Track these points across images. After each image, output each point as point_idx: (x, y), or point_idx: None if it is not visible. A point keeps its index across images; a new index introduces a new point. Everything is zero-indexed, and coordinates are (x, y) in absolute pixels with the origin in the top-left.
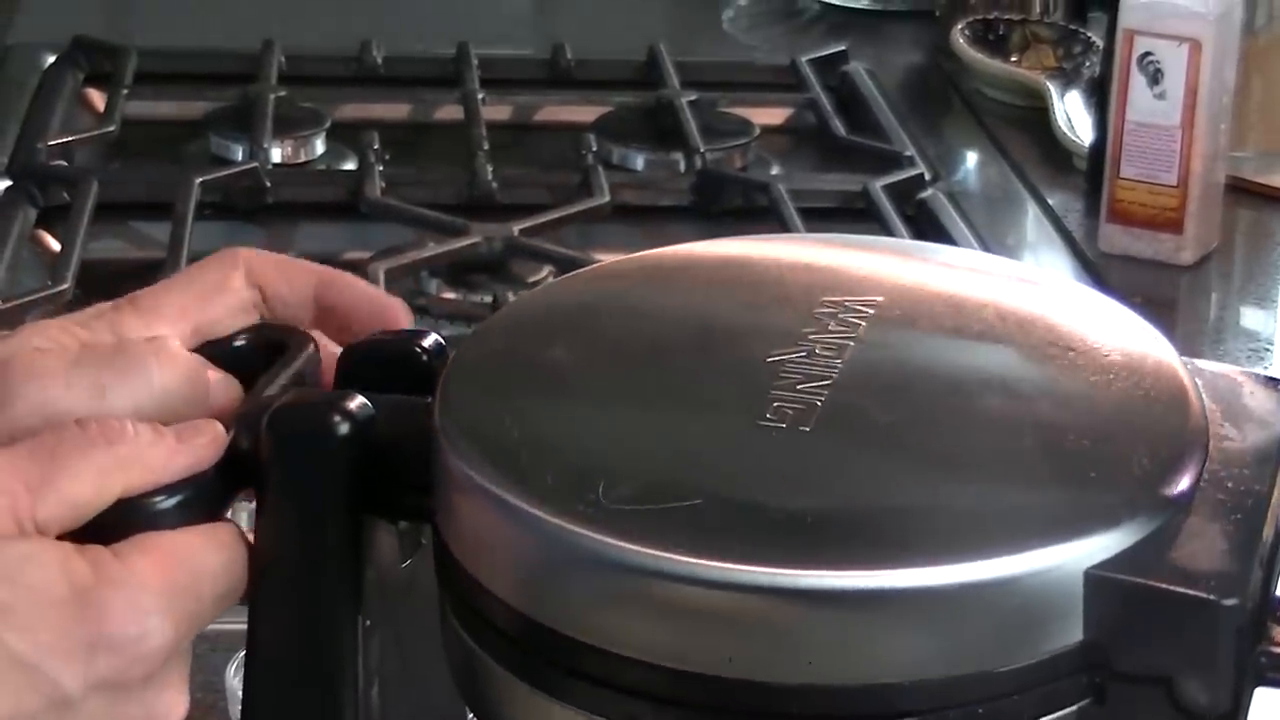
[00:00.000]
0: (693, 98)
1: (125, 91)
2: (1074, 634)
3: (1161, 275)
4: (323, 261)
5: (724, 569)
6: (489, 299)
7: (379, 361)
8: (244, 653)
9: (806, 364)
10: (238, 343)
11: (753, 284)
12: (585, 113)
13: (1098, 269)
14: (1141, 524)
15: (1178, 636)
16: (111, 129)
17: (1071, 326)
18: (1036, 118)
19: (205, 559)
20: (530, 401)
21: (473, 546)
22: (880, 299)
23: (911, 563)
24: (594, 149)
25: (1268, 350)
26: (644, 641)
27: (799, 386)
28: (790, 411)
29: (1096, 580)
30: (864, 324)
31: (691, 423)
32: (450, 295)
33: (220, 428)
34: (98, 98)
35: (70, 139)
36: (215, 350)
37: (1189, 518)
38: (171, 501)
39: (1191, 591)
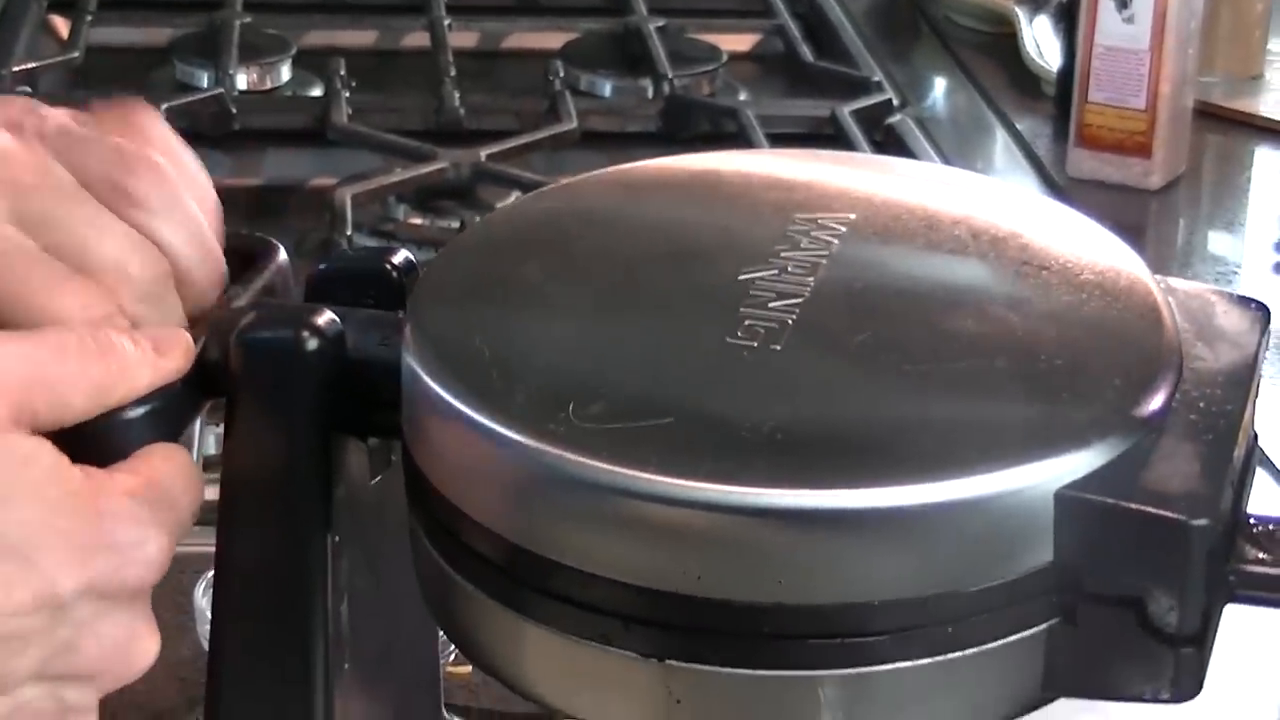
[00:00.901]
0: (660, 24)
1: (89, 18)
2: (1044, 555)
3: (1130, 200)
4: (289, 188)
5: (694, 487)
6: (456, 224)
7: (348, 278)
8: (212, 572)
9: (778, 281)
10: None
11: (725, 200)
12: (552, 39)
13: (1066, 194)
14: (1113, 444)
15: (1148, 557)
16: (76, 55)
17: (1045, 244)
18: (1005, 44)
19: (187, 479)
20: (500, 319)
21: (442, 466)
22: (853, 216)
23: (881, 482)
24: (561, 75)
25: (1235, 274)
26: (614, 560)
27: (770, 304)
28: (761, 330)
29: (1067, 500)
30: (836, 241)
31: (663, 341)
32: (418, 221)
33: (189, 339)
34: (62, 24)
35: (34, 65)
36: None
37: (1161, 438)
38: (141, 411)
39: (1162, 512)
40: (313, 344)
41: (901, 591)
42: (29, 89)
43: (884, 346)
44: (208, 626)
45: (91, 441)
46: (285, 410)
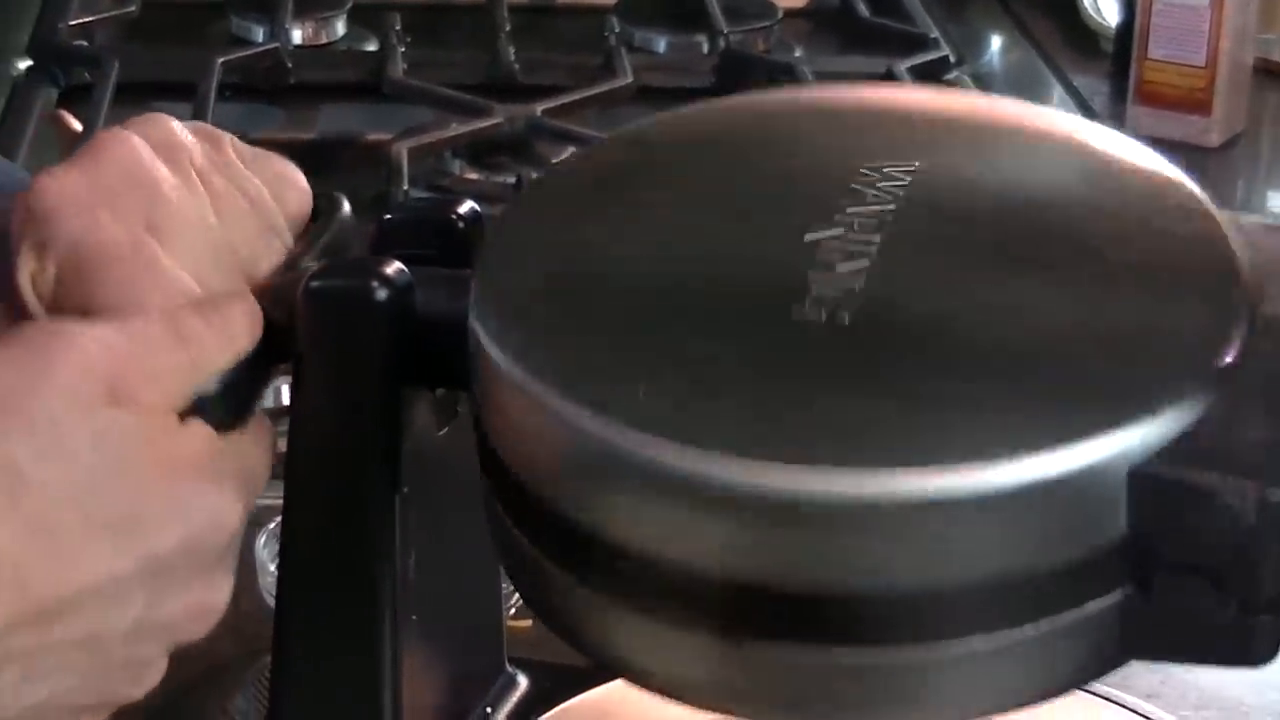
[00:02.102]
0: None
1: None
2: (1118, 528)
3: (1189, 157)
4: (345, 142)
5: (767, 470)
6: (512, 179)
7: (414, 228)
8: (274, 525)
9: (844, 242)
10: None
11: (788, 149)
12: None
13: None
14: (1184, 412)
15: (1224, 529)
16: (132, 9)
17: (1116, 189)
18: (1062, 1)
19: (266, 451)
20: (566, 285)
21: (509, 438)
22: (917, 164)
23: (954, 465)
24: (616, 31)
25: None
26: (684, 543)
27: (838, 267)
28: (829, 298)
29: (1140, 477)
30: (902, 194)
31: (731, 313)
32: (473, 175)
33: (257, 308)
34: None
35: (91, 19)
36: None
37: (1234, 398)
38: (216, 386)
39: (1237, 484)
40: (382, 294)
41: (977, 571)
42: (85, 42)
43: (951, 317)
44: (270, 579)
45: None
46: (354, 361)
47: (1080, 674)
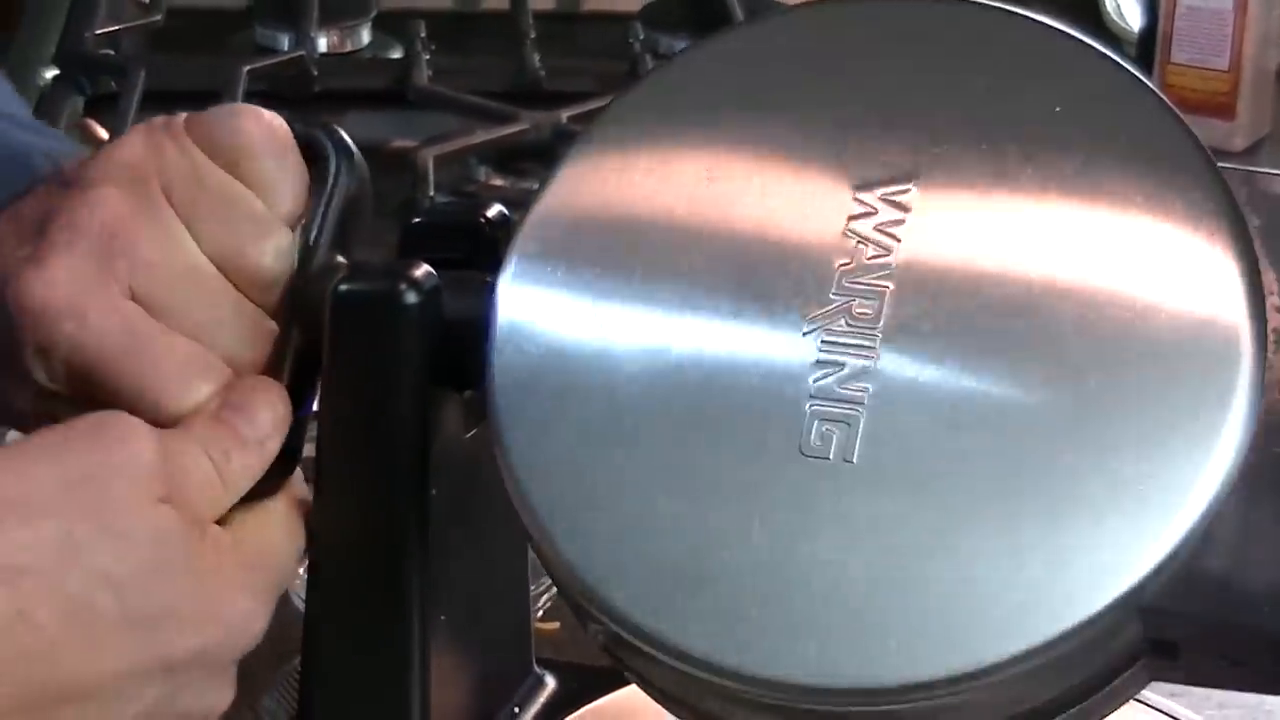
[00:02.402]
0: None
1: None
2: (1136, 634)
3: None
4: (371, 150)
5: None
6: (537, 185)
7: (442, 231)
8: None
9: (844, 336)
10: None
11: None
12: (632, 2)
13: None
14: (1189, 542)
15: (1240, 653)
16: (157, 18)
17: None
18: (1086, 5)
19: (290, 550)
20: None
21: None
22: (912, 189)
23: (976, 653)
24: (640, 38)
25: None
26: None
27: (839, 390)
28: (831, 437)
29: (1151, 612)
30: (898, 252)
31: (731, 465)
32: (499, 182)
33: (281, 396)
34: None
35: (116, 28)
36: None
37: (1238, 508)
38: None
39: (1248, 623)
40: (411, 297)
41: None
42: (111, 50)
43: (955, 457)
44: (297, 582)
45: None
46: (383, 364)
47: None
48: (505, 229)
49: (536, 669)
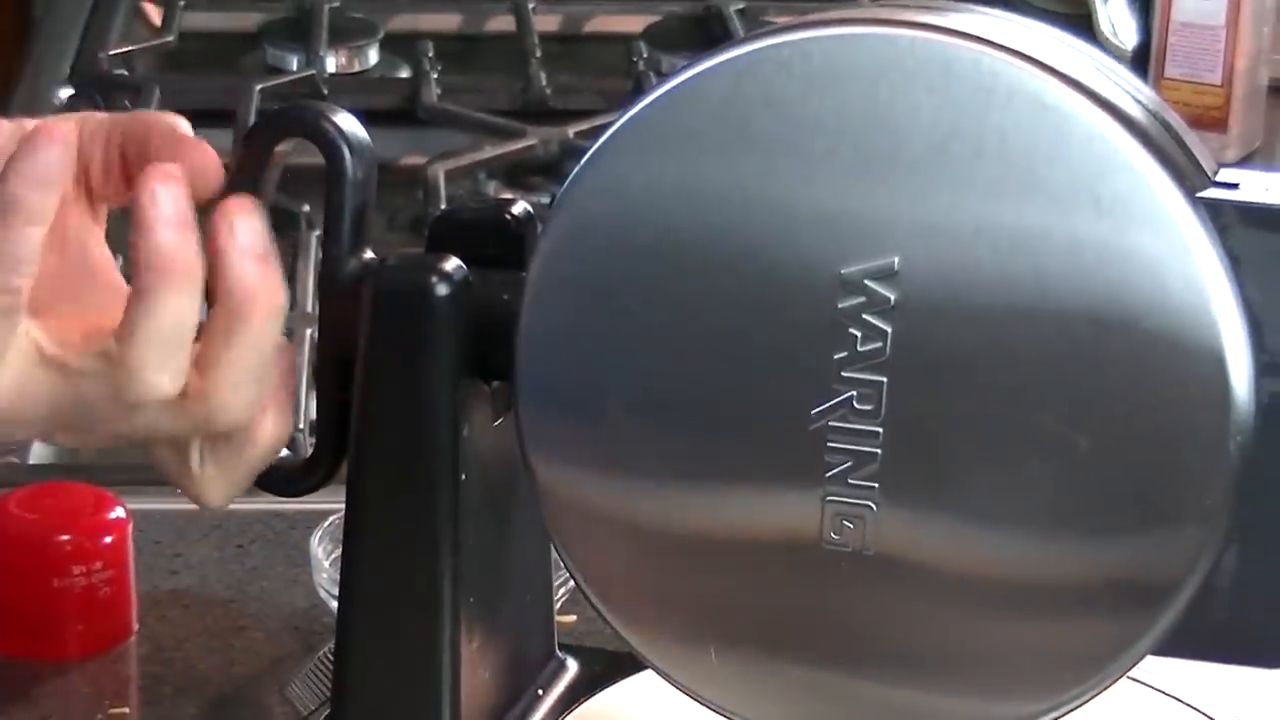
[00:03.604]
0: (740, 7)
1: (182, 3)
2: None
3: None
4: (382, 166)
5: None
6: (546, 200)
7: (469, 227)
8: (328, 523)
9: (848, 428)
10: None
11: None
12: (634, 22)
13: None
14: (1184, 595)
15: None
16: (170, 39)
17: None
18: (1081, 23)
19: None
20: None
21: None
22: (898, 263)
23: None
24: (644, 56)
25: None
26: None
27: (850, 479)
28: (848, 526)
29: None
30: (892, 330)
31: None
32: (508, 196)
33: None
34: (154, 11)
35: (130, 49)
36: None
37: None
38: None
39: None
40: (442, 290)
41: None
42: (125, 71)
43: (964, 548)
44: (324, 575)
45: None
46: (415, 355)
47: None
48: (531, 225)
49: (559, 653)
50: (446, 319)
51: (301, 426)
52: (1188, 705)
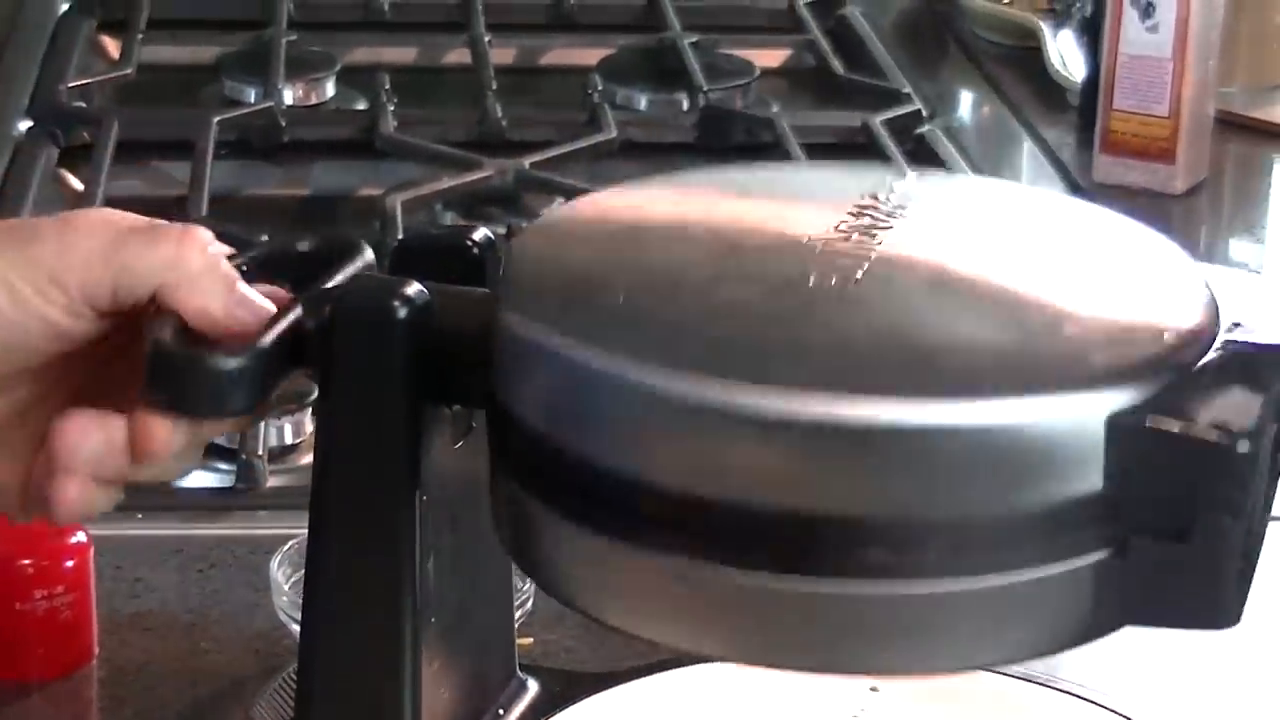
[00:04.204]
0: (694, 39)
1: (140, 37)
2: (1094, 481)
3: (1153, 204)
4: (339, 197)
5: (772, 401)
6: (503, 230)
7: (431, 253)
8: (287, 548)
9: (845, 245)
10: (300, 248)
11: (785, 195)
12: (589, 55)
13: (1092, 199)
14: (1161, 377)
15: (1195, 482)
16: (129, 71)
17: (1096, 232)
18: (1030, 56)
19: None
20: (591, 272)
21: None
22: (907, 206)
23: (944, 398)
24: (599, 89)
25: (1257, 276)
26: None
27: (837, 264)
28: (832, 277)
29: (1118, 426)
30: (895, 220)
31: (739, 289)
32: (467, 224)
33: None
34: (112, 44)
35: (89, 81)
36: (277, 254)
37: (1206, 376)
38: (232, 364)
39: (1210, 437)
40: (403, 313)
41: (953, 509)
42: (84, 104)
43: (952, 292)
44: (284, 598)
45: (187, 384)
46: (376, 376)
47: (1050, 638)
48: (493, 251)
49: (519, 673)
50: (408, 342)
51: (261, 453)
52: (1110, 710)
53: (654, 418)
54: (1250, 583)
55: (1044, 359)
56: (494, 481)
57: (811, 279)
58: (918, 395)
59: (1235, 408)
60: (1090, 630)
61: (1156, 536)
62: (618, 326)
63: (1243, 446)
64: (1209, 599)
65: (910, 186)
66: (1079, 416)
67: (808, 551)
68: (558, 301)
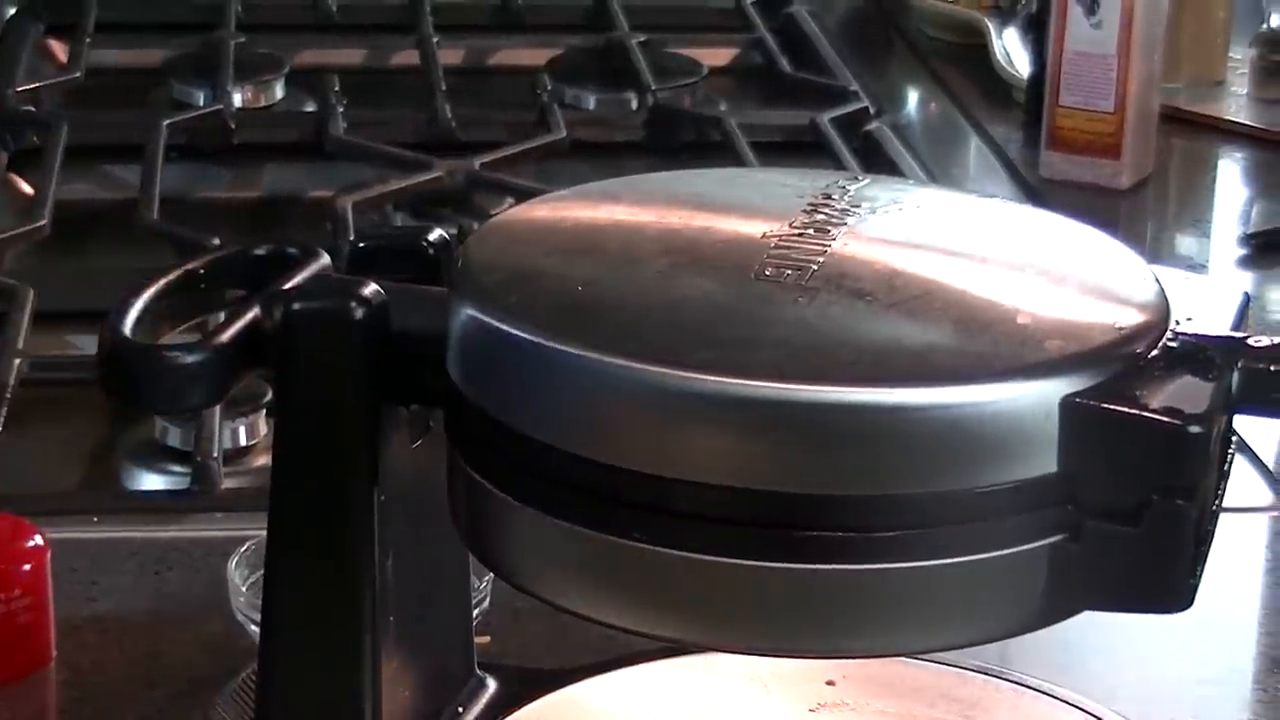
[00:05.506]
0: (642, 39)
1: (88, 40)
2: (1049, 464)
3: (1100, 199)
4: (289, 199)
5: (728, 384)
6: (454, 231)
7: (387, 254)
8: (245, 549)
9: (799, 240)
10: (256, 252)
11: (741, 193)
12: (538, 55)
13: (1039, 194)
14: (1114, 363)
15: (1149, 464)
16: (77, 75)
17: (1051, 235)
18: (975, 54)
19: None
20: (547, 264)
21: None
22: (861, 205)
23: (900, 382)
24: (548, 89)
25: (1202, 270)
26: (645, 453)
27: (793, 256)
28: (787, 270)
29: (1071, 407)
30: (850, 217)
31: (695, 279)
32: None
33: None
34: (59, 48)
35: (37, 85)
36: (234, 259)
37: (1157, 364)
38: (189, 359)
39: (1163, 418)
40: (359, 313)
41: (910, 486)
42: (33, 108)
43: (906, 285)
44: (242, 599)
45: (144, 379)
46: (332, 377)
47: (1005, 621)
48: (447, 251)
49: (478, 671)
50: (363, 342)
51: (216, 455)
52: (1066, 703)
53: (608, 400)
54: (1203, 567)
55: (1000, 345)
56: (451, 473)
57: (767, 271)
58: (874, 379)
59: (1186, 394)
60: (1046, 614)
61: (1110, 520)
62: (570, 313)
63: (1194, 428)
64: (1161, 583)
65: (864, 189)
66: (1034, 399)
67: (763, 533)
68: (511, 287)
